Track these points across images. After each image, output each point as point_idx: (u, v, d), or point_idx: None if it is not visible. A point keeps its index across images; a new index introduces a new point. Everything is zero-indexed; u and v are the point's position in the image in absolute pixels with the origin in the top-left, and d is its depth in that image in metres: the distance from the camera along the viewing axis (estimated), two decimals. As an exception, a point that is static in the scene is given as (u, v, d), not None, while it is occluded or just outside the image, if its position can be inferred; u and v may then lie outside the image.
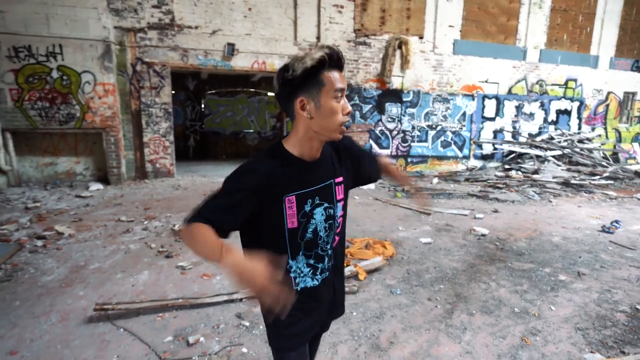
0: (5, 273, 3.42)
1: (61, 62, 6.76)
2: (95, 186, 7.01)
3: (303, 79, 1.12)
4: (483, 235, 4.91)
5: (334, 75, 1.15)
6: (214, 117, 12.53)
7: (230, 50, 7.77)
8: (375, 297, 3.23)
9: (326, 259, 1.34)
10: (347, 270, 3.52)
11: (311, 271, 1.31)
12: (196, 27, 7.68)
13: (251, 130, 13.03)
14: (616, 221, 5.37)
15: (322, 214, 1.28)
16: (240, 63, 8.04)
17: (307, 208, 1.25)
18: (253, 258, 1.02)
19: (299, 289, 1.31)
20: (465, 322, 2.88)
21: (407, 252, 4.29)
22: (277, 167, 1.20)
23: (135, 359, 2.31)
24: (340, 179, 1.34)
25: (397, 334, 2.70)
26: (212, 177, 8.56)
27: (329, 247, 1.33)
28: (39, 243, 4.14)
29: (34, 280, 3.32)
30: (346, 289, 3.21)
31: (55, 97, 6.85)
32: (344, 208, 1.39)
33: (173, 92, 8.30)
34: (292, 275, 1.30)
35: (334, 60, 1.15)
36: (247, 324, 2.73)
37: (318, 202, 1.27)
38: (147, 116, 7.66)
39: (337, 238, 1.38)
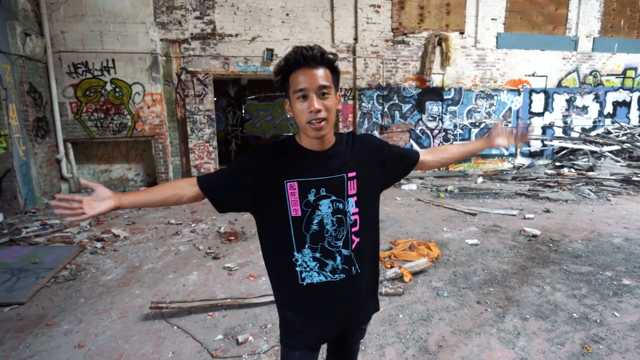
0: (71, 272, 3.69)
1: (114, 75, 7.22)
2: (146, 191, 7.40)
3: (280, 82, 1.23)
4: (534, 236, 4.67)
5: (298, 76, 1.17)
6: (254, 122, 12.85)
7: (269, 55, 7.94)
8: (421, 299, 3.17)
9: (338, 257, 1.30)
10: (392, 272, 3.48)
11: (317, 265, 1.29)
12: (236, 35, 7.92)
13: (290, 133, 13.16)
14: (687, 221, 4.91)
15: (329, 207, 1.28)
16: (279, 68, 8.17)
17: (311, 198, 1.25)
18: (102, 191, 1.28)
19: (304, 284, 1.29)
20: (518, 327, 2.75)
21: (453, 253, 4.16)
22: (281, 153, 1.28)
23: (189, 356, 2.41)
24: (354, 174, 1.31)
25: (445, 338, 2.62)
26: (254, 180, 8.75)
27: (340, 243, 1.30)
28: (99, 245, 4.44)
29: (95, 280, 3.56)
30: (390, 291, 3.18)
31: (109, 109, 7.32)
32: (360, 206, 1.33)
33: (215, 98, 8.60)
34: (297, 269, 1.29)
35: (299, 60, 1.16)
36: (293, 324, 2.76)
37: (324, 193, 1.27)
38: (192, 123, 7.99)
39: (355, 239, 1.33)
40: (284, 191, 1.25)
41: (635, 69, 10.70)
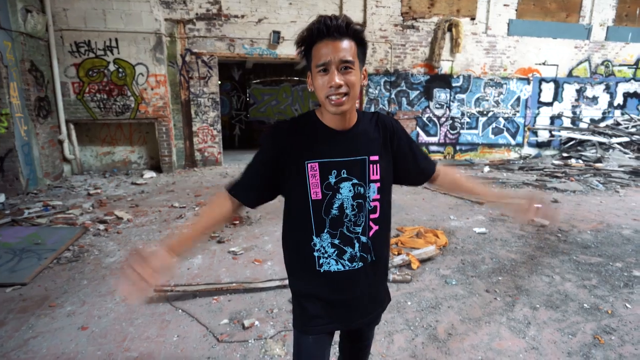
0: (74, 254, 3.65)
1: (117, 55, 7.09)
2: (149, 174, 7.35)
3: (303, 54, 1.15)
4: (542, 226, 4.59)
5: (320, 48, 1.09)
6: (259, 107, 12.71)
7: (276, 38, 7.78)
8: (429, 287, 3.11)
9: (357, 245, 1.24)
10: (399, 259, 3.42)
11: (336, 252, 1.23)
12: (242, 16, 7.75)
13: (295, 119, 13.06)
14: (699, 213, 4.82)
15: (350, 190, 1.21)
16: (286, 51, 8.03)
17: (332, 180, 1.19)
18: (160, 255, 1.11)
19: (322, 270, 1.24)
20: (528, 316, 2.70)
21: (460, 241, 4.10)
22: (300, 130, 1.20)
23: (194, 339, 2.37)
24: (376, 157, 1.24)
25: (455, 326, 2.57)
26: (258, 165, 8.68)
27: (359, 230, 1.24)
28: (101, 227, 4.39)
29: (98, 262, 3.52)
30: (399, 278, 3.13)
31: (112, 89, 7.21)
32: (382, 192, 1.26)
33: (219, 82, 8.47)
34: (315, 254, 1.24)
35: (322, 30, 1.07)
36: (299, 309, 2.72)
37: (345, 175, 1.20)
38: (196, 106, 7.88)
39: (374, 226, 1.27)
40: (304, 172, 1.18)
41: (648, 59, 10.47)
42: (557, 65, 9.80)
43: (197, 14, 7.53)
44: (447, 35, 8.81)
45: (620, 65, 10.29)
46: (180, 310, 2.69)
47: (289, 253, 1.33)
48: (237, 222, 4.64)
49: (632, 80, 10.52)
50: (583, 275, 3.35)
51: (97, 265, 3.45)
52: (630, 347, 2.37)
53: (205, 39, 7.63)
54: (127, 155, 7.88)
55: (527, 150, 10.08)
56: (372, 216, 1.26)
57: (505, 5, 9.09)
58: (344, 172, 1.20)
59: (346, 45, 1.08)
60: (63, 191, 6.10)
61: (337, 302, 1.28)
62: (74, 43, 6.89)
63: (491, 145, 9.85)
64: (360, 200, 1.23)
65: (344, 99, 1.10)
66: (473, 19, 9.03)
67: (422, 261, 3.51)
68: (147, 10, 7.02)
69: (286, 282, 3.05)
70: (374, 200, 1.25)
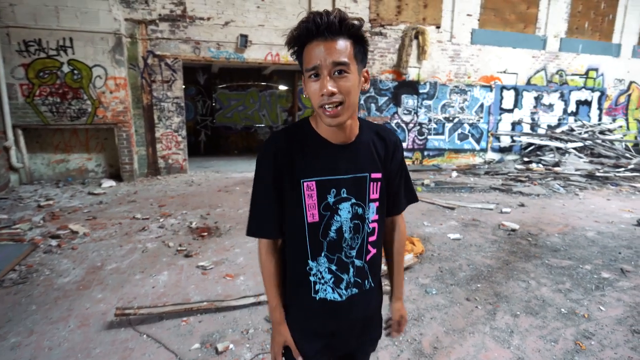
0: (20, 275, 3.27)
1: (72, 55, 6.61)
2: (108, 183, 6.88)
3: (296, 55, 1.02)
4: (513, 230, 4.67)
5: (311, 50, 0.95)
6: (225, 112, 12.36)
7: (244, 41, 7.56)
8: (410, 297, 3.03)
9: (351, 270, 1.12)
10: (378, 269, 3.32)
11: (333, 280, 1.11)
12: (208, 19, 7.48)
13: (263, 125, 12.83)
14: (653, 215, 5.09)
15: (349, 211, 1.09)
16: (254, 55, 7.83)
17: (331, 200, 1.06)
18: (283, 332, 1.15)
19: (317, 298, 1.12)
20: (510, 325, 2.67)
21: (436, 248, 4.08)
22: (295, 144, 1.06)
23: (161, 368, 2.14)
24: (379, 175, 1.12)
25: (439, 339, 2.49)
26: (225, 172, 8.39)
27: (354, 253, 1.12)
28: (54, 243, 4.00)
29: (49, 283, 3.17)
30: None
31: (67, 92, 6.71)
32: (380, 212, 1.15)
33: (184, 86, 8.13)
34: (312, 279, 1.11)
35: (312, 30, 0.93)
36: (277, 328, 2.54)
37: (345, 195, 1.07)
38: (159, 111, 7.50)
39: (372, 250, 1.16)
40: (299, 192, 1.04)
41: (596, 70, 11.15)
42: (517, 74, 10.22)
43: (160, 14, 7.18)
44: (414, 43, 8.95)
45: (572, 74, 10.89)
46: (145, 336, 2.44)
47: (284, 277, 1.20)
48: (206, 233, 4.39)
49: (583, 89, 11.15)
50: (557, 279, 3.39)
51: (49, 287, 3.10)
52: (610, 352, 2.38)
53: (169, 41, 7.29)
54: (84, 163, 7.36)
55: (491, 155, 10.40)
56: (370, 239, 1.14)
57: (468, 15, 9.38)
58: (343, 192, 1.07)
59: (340, 46, 0.94)
60: (9, 203, 5.56)
61: (331, 329, 1.16)
62: (23, 42, 6.35)
63: (457, 151, 10.08)
64: (357, 222, 1.11)
65: (338, 108, 0.96)
66: (438, 27, 9.23)
67: (401, 270, 3.43)
68: (106, 9, 6.61)
69: (261, 298, 2.86)
70: (372, 221, 1.13)
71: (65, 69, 6.62)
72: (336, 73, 0.95)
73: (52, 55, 6.52)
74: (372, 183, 1.11)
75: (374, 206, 1.13)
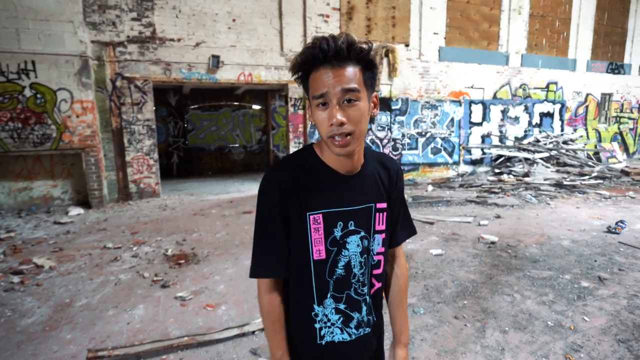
0: (-22, 317, 2.99)
1: (34, 79, 6.32)
2: (76, 211, 6.53)
3: (301, 80, 0.97)
4: (492, 243, 4.74)
5: (317, 77, 0.91)
6: (197, 133, 12.13)
7: (215, 62, 7.49)
8: (398, 319, 2.97)
9: (364, 308, 1.06)
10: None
11: (341, 319, 1.04)
12: (179, 40, 7.38)
13: (237, 145, 12.67)
14: (621, 221, 5.30)
15: (358, 245, 1.03)
16: (226, 75, 7.76)
17: (338, 234, 1.00)
18: None
19: (323, 343, 1.03)
20: (500, 342, 2.65)
21: (420, 265, 4.06)
22: (301, 174, 1.00)
23: (140, 416, 1.97)
24: (384, 205, 1.08)
25: (432, 362, 2.44)
26: (200, 195, 8.17)
27: (366, 290, 1.06)
28: (16, 279, 3.70)
29: (11, 325, 2.90)
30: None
31: (29, 117, 6.38)
32: (385, 244, 1.11)
33: (154, 108, 7.93)
34: (317, 325, 1.04)
35: (318, 56, 0.89)
36: (264, 361, 2.42)
37: (353, 228, 1.02)
38: (129, 134, 7.26)
39: (376, 284, 1.11)
40: (306, 226, 0.97)
41: (556, 83, 11.78)
42: (484, 89, 10.62)
43: (128, 36, 7.03)
44: (385, 61, 9.16)
45: (534, 88, 11.44)
46: (120, 379, 2.25)
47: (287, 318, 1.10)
48: (183, 261, 4.20)
49: (545, 102, 11.72)
50: (539, 291, 3.43)
51: (10, 329, 2.84)
52: (599, 364, 2.40)
53: (138, 63, 7.12)
54: (49, 190, 6.97)
55: (464, 168, 10.66)
56: (375, 272, 1.09)
57: (434, 33, 9.72)
58: (351, 224, 1.01)
59: (349, 73, 0.89)
60: (-35, 237, 5.15)
61: None
62: (-20, 66, 6.03)
63: (431, 165, 10.28)
64: (366, 255, 1.05)
65: (348, 138, 0.91)
66: (407, 45, 9.50)
67: (388, 290, 3.38)
68: (71, 31, 6.39)
69: (246, 328, 2.73)
70: (378, 253, 1.08)
71: (27, 93, 6.31)
72: (345, 102, 0.90)
73: (13, 79, 6.20)
74: (377, 213, 1.07)
75: (379, 238, 1.08)
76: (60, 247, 4.73)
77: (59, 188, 7.04)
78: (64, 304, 3.23)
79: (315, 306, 1.02)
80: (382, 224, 1.08)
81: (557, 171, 9.75)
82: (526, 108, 11.42)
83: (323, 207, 0.98)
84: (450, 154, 10.49)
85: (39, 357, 2.48)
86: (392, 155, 9.55)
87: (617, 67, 13.04)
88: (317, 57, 0.89)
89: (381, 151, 9.07)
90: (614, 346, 2.59)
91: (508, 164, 10.49)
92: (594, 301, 3.24)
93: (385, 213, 1.09)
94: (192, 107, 11.99)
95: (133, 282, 3.69)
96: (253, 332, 2.72)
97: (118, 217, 6.23)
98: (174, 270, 3.95)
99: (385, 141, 9.64)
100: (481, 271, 3.89)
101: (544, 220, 5.84)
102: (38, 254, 4.46)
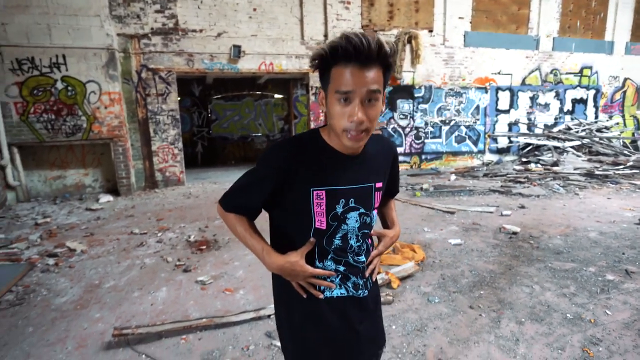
0: (17, 296, 3.22)
1: (65, 72, 6.60)
2: (105, 198, 6.84)
3: (320, 68, 0.99)
4: (514, 233, 4.63)
5: (344, 73, 0.92)
6: (221, 122, 12.35)
7: (237, 52, 7.57)
8: (412, 307, 2.98)
9: (360, 275, 1.18)
10: (379, 279, 3.28)
11: (340, 277, 1.15)
12: (201, 31, 7.49)
13: (259, 134, 12.82)
14: (655, 212, 5.06)
15: (357, 220, 1.12)
16: (247, 65, 7.83)
17: (339, 209, 1.09)
18: (289, 256, 1.08)
19: (323, 297, 1.13)
20: (516, 332, 2.62)
21: (437, 255, 4.03)
22: (305, 153, 1.07)
23: (160, 391, 2.09)
24: (381, 184, 1.18)
25: (444, 349, 2.45)
26: (223, 183, 8.35)
27: (363, 259, 1.17)
28: (51, 261, 3.95)
29: (47, 303, 3.11)
30: (381, 299, 2.98)
31: (61, 109, 6.69)
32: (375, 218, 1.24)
33: (179, 98, 8.12)
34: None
35: (350, 53, 0.90)
36: (278, 344, 2.49)
37: (353, 205, 1.10)
38: (155, 124, 7.48)
39: (370, 249, 1.25)
40: (308, 201, 1.06)
41: (590, 67, 11.18)
42: (511, 75, 10.24)
43: (152, 28, 7.19)
44: (407, 47, 8.97)
45: (567, 73, 10.91)
46: (144, 356, 2.39)
47: (283, 281, 1.18)
48: (204, 247, 4.34)
49: (577, 87, 11.18)
50: (560, 283, 3.35)
51: (46, 307, 3.05)
52: (619, 358, 2.34)
53: (162, 54, 7.29)
54: (81, 178, 7.32)
55: (489, 157, 10.39)
56: (369, 241, 1.23)
57: (460, 18, 9.41)
58: (352, 201, 1.10)
59: (375, 75, 0.93)
60: (6, 222, 5.51)
61: (340, 332, 1.15)
62: (16, 60, 6.34)
63: (455, 153, 10.07)
64: (366, 231, 1.16)
65: (362, 134, 0.98)
66: (431, 31, 9.26)
67: (402, 279, 3.39)
68: (98, 25, 6.61)
69: (262, 312, 2.82)
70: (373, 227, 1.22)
71: (59, 85, 6.60)
72: (367, 102, 0.95)
73: (46, 72, 6.51)
74: (376, 192, 1.16)
75: (374, 214, 1.19)
76: (91, 232, 4.99)
77: (90, 176, 7.37)
78: (94, 285, 3.43)
79: (317, 262, 1.12)
80: (378, 202, 1.19)
81: (589, 160, 9.34)
82: (557, 94, 10.94)
83: (326, 185, 1.06)
84: (475, 143, 10.23)
85: (71, 332, 2.66)
86: (414, 144, 9.45)
87: (659, 50, 12.24)
88: (349, 53, 0.91)
89: (385, 136, 8.98)
90: (636, 341, 2.51)
91: (536, 152, 10.13)
92: (619, 295, 3.14)
93: (380, 192, 1.19)
94: (216, 97, 12.18)
95: (157, 266, 3.85)
96: (268, 316, 2.81)
97: (144, 205, 6.48)
98: (195, 256, 4.10)
99: (408, 129, 9.50)
100: (500, 262, 3.83)
101: (571, 211, 5.65)
102: (71, 238, 4.72)
